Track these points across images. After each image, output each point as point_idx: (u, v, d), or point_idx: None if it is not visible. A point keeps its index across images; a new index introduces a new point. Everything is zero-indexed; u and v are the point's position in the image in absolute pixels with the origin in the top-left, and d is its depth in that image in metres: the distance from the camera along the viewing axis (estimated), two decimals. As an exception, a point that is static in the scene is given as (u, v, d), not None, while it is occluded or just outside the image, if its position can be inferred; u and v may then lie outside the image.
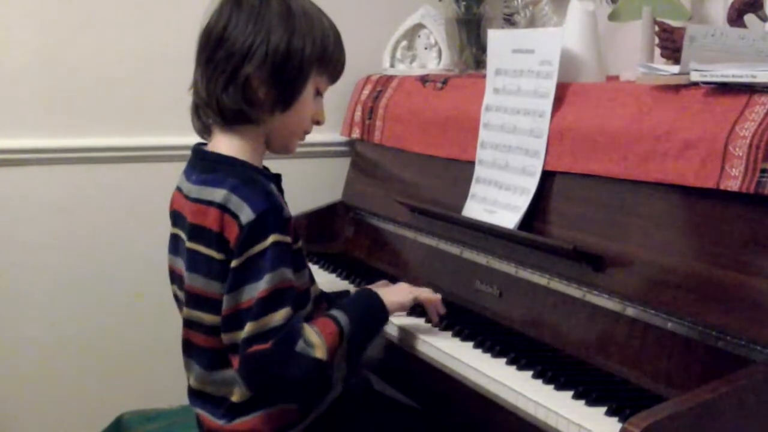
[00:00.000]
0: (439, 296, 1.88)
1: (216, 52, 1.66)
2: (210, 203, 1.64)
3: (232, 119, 1.68)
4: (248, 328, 1.57)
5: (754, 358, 1.42)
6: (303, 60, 1.66)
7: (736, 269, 1.48)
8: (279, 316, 1.58)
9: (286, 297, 1.60)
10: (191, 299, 1.69)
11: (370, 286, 1.87)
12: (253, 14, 1.65)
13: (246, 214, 1.59)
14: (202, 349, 1.70)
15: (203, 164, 1.71)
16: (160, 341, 2.56)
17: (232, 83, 1.64)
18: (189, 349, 1.74)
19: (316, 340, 1.60)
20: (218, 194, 1.63)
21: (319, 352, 1.60)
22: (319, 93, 1.74)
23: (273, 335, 1.57)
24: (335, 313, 1.69)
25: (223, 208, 1.62)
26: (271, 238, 1.59)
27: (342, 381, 1.75)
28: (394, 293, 1.81)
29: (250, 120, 1.67)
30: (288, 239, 1.62)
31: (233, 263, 1.60)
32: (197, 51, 1.70)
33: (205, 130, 1.76)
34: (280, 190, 1.73)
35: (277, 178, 1.74)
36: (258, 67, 1.64)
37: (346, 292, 2.02)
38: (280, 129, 1.72)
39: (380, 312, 1.76)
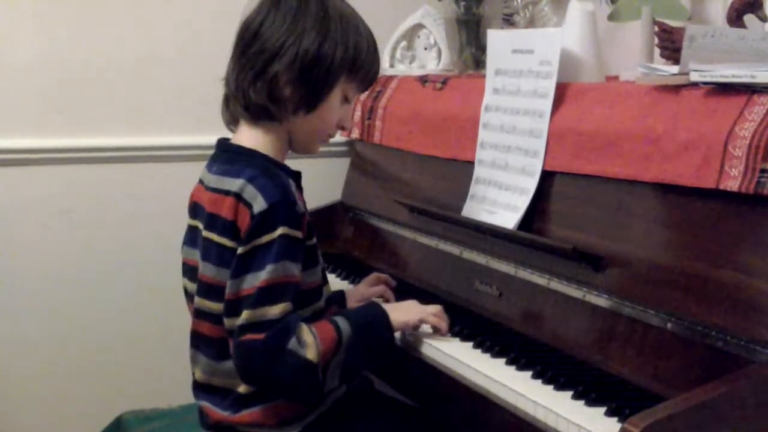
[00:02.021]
0: (446, 323, 1.83)
1: (249, 47, 1.69)
2: (227, 192, 1.66)
3: (257, 114, 1.71)
4: (244, 315, 1.59)
5: (754, 358, 1.42)
6: (332, 65, 1.68)
7: (735, 269, 1.48)
8: (276, 309, 1.59)
9: (287, 291, 1.61)
10: (202, 288, 1.71)
11: (382, 305, 1.82)
12: (290, 14, 1.67)
13: (259, 204, 1.61)
14: (210, 340, 1.71)
15: (224, 156, 1.75)
16: (161, 341, 2.56)
17: (260, 79, 1.67)
18: (197, 340, 1.75)
19: (310, 340, 1.61)
20: (235, 184, 1.66)
21: (310, 353, 1.60)
22: (347, 99, 1.76)
23: (267, 327, 1.58)
24: (338, 319, 1.68)
25: (238, 197, 1.64)
26: (280, 230, 1.60)
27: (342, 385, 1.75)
28: (402, 311, 1.79)
29: (273, 117, 1.70)
30: (297, 234, 1.64)
31: (239, 250, 1.62)
32: (234, 44, 1.73)
33: (232, 122, 1.78)
34: (300, 188, 1.75)
35: (297, 175, 1.75)
36: (287, 66, 1.66)
37: (341, 292, 2.01)
38: (303, 130, 1.74)
39: (384, 327, 1.74)
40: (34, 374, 2.56)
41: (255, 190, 1.63)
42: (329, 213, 2.62)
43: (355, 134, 2.61)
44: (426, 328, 1.86)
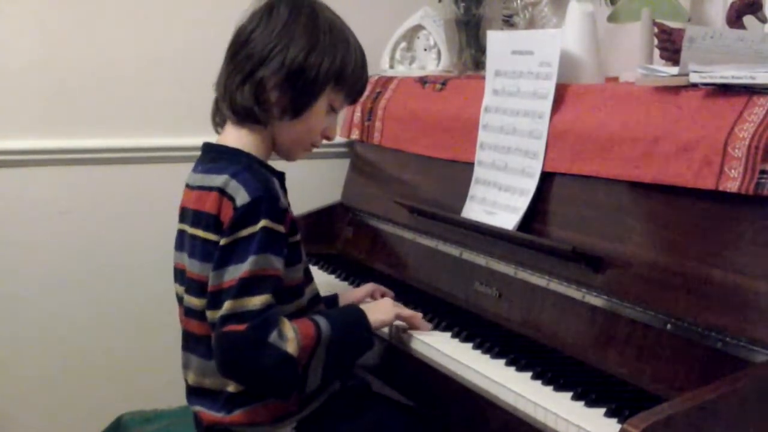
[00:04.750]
0: (419, 315, 1.88)
1: (240, 52, 1.74)
2: (210, 188, 1.69)
3: (242, 117, 1.74)
4: (226, 306, 1.60)
5: (753, 359, 1.42)
6: (318, 75, 1.72)
7: (734, 270, 1.48)
8: (257, 300, 1.60)
9: (268, 284, 1.63)
10: (191, 286, 1.73)
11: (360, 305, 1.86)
12: (281, 23, 1.73)
13: (242, 197, 1.64)
14: (199, 338, 1.73)
15: (209, 156, 1.78)
16: (160, 342, 2.56)
17: (248, 82, 1.72)
18: (188, 341, 1.77)
19: (291, 335, 1.62)
20: (219, 179, 1.69)
21: (291, 347, 1.61)
22: (333, 109, 1.79)
23: (249, 318, 1.59)
24: (318, 318, 1.70)
25: (221, 191, 1.67)
26: (262, 223, 1.63)
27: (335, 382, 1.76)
28: (378, 311, 1.82)
29: (258, 120, 1.74)
30: (280, 228, 1.66)
31: (222, 242, 1.64)
32: (226, 50, 1.78)
33: (221, 125, 1.83)
34: (284, 189, 1.77)
35: (280, 176, 1.78)
36: (274, 72, 1.71)
37: (335, 296, 2.02)
38: (287, 135, 1.78)
39: (363, 327, 1.76)
40: (34, 375, 2.56)
41: (238, 185, 1.66)
42: (329, 214, 2.62)
43: (355, 135, 2.61)
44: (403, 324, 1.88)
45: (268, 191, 1.66)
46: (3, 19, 2.46)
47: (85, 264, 2.58)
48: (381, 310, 1.83)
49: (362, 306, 1.82)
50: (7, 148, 2.48)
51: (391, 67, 2.67)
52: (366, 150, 2.61)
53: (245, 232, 1.63)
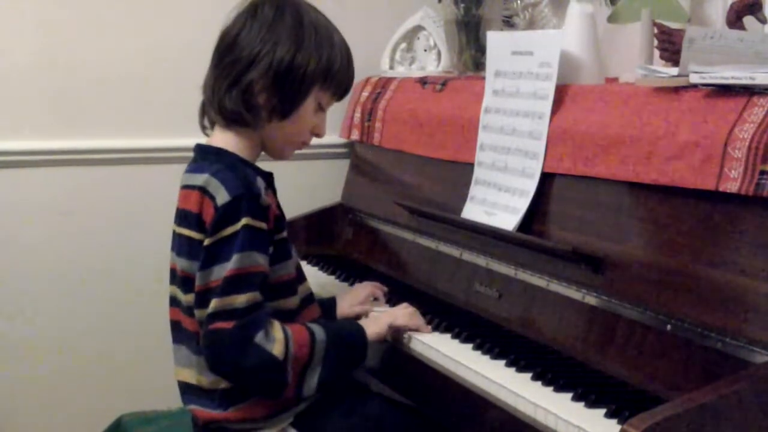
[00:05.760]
0: (416, 318, 1.87)
1: (226, 56, 1.75)
2: (193, 187, 1.71)
3: (231, 120, 1.75)
4: (213, 304, 1.63)
5: (754, 359, 1.42)
6: (305, 75, 1.73)
7: (734, 270, 1.48)
8: (244, 298, 1.62)
9: (253, 281, 1.64)
10: (182, 284, 1.74)
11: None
12: (266, 25, 1.73)
13: (222, 196, 1.66)
14: (191, 335, 1.74)
15: (197, 156, 1.80)
16: (160, 343, 2.55)
17: (235, 86, 1.72)
18: (182, 338, 1.78)
19: (279, 336, 1.64)
20: (201, 178, 1.70)
21: (277, 349, 1.63)
22: (321, 107, 1.80)
23: (236, 316, 1.61)
24: (313, 326, 1.72)
25: (203, 190, 1.69)
26: (243, 221, 1.64)
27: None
28: (373, 323, 1.84)
29: (247, 123, 1.75)
30: (262, 225, 1.67)
31: (206, 242, 1.66)
32: (212, 53, 1.79)
33: (209, 127, 1.83)
34: (273, 189, 1.78)
35: (267, 176, 1.79)
36: (261, 74, 1.72)
37: (333, 299, 2.03)
38: (277, 136, 1.80)
39: (359, 340, 1.78)
40: (34, 376, 2.56)
41: (218, 183, 1.67)
42: (329, 214, 2.62)
43: (355, 136, 2.61)
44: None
45: (248, 189, 1.67)
46: (3, 20, 2.46)
47: (85, 264, 2.58)
48: (375, 321, 1.85)
49: (360, 321, 1.86)
50: (7, 149, 2.48)
51: (391, 67, 2.67)
52: (366, 151, 2.61)
53: (227, 231, 1.65)
